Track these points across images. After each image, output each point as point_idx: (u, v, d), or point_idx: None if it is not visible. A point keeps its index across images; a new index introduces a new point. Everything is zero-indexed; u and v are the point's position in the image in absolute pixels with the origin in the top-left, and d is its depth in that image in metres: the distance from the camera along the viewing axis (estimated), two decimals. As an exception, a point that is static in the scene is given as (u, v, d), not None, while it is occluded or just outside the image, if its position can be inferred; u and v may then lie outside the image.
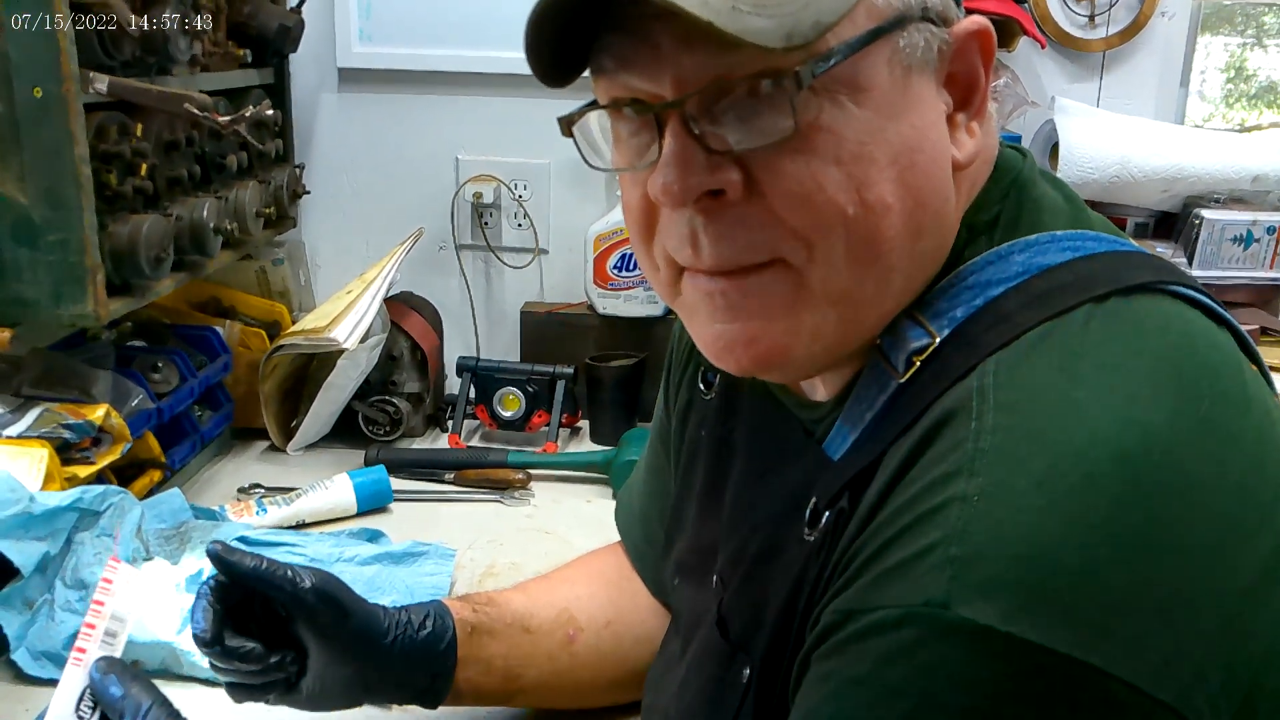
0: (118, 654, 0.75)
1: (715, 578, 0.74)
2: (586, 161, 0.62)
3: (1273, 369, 1.72)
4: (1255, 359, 0.59)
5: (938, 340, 0.57)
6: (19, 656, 1.03)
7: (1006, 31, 1.65)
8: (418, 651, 0.84)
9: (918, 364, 0.57)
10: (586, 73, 0.59)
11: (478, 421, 1.73)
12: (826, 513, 0.59)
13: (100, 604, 0.74)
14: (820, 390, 0.67)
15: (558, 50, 0.56)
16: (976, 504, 0.49)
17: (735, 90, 0.53)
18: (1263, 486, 0.51)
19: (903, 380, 0.57)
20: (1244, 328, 0.59)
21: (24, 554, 1.03)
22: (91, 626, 0.73)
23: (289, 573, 0.79)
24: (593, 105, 0.59)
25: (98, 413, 1.22)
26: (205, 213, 1.38)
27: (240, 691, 0.81)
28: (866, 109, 0.54)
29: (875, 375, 0.60)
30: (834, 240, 0.54)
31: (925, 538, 0.50)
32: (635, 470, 1.00)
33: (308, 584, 0.79)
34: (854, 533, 0.56)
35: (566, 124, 0.61)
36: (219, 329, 1.61)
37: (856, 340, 0.60)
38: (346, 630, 0.80)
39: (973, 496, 0.49)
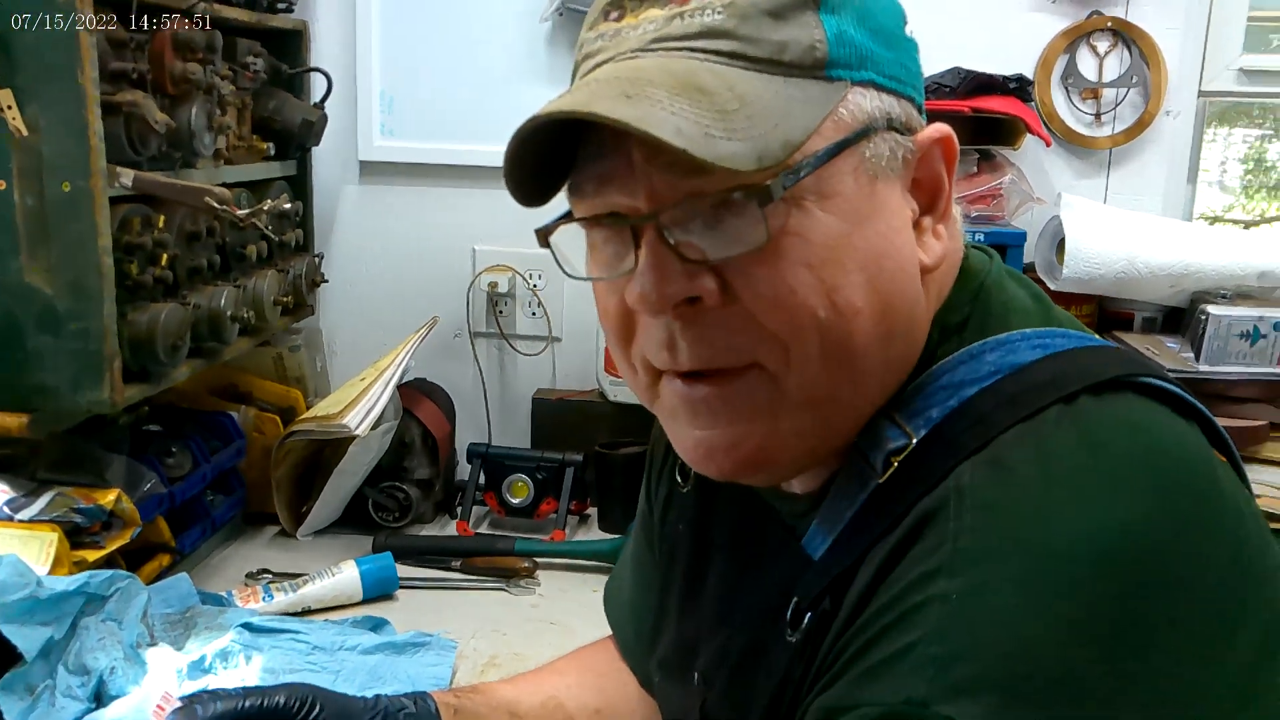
0: None
1: (696, 675, 0.74)
2: (563, 269, 0.64)
3: (1286, 466, 1.66)
4: (1226, 448, 0.60)
5: (914, 441, 0.58)
6: (19, 742, 1.04)
7: (1012, 130, 1.68)
8: None
9: (895, 464, 0.58)
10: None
11: (487, 508, 1.74)
12: (809, 613, 0.59)
13: None
14: (796, 485, 0.67)
15: (536, 173, 0.58)
16: (955, 603, 0.49)
17: (709, 204, 0.55)
18: (1241, 580, 0.52)
19: (882, 481, 0.58)
20: (1252, 423, 0.60)
21: (28, 639, 1.04)
22: None
23: (256, 695, 0.79)
24: (567, 217, 0.61)
25: (109, 497, 1.23)
26: (223, 302, 1.41)
27: None
28: (833, 215, 0.55)
29: (855, 474, 0.61)
30: (808, 343, 0.56)
31: (906, 636, 0.50)
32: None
33: (279, 696, 0.79)
34: (837, 632, 0.56)
35: (543, 235, 0.63)
36: (234, 414, 1.64)
37: (835, 440, 0.61)
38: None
39: (952, 596, 0.50)
